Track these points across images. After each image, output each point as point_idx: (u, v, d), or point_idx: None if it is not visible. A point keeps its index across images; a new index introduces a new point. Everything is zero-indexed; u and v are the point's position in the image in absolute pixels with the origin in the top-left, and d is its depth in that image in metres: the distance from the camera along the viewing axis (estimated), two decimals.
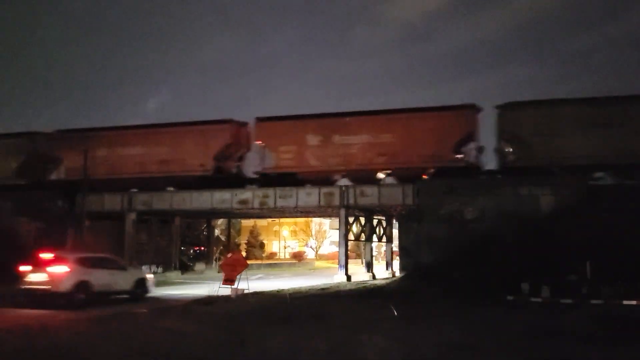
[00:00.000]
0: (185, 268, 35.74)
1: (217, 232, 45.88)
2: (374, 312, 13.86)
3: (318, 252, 67.17)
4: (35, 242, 27.81)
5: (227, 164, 28.38)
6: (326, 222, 64.92)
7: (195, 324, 11.60)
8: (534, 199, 22.01)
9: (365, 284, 24.20)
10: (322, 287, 22.31)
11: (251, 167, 28.58)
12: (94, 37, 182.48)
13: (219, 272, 27.38)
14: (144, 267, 27.78)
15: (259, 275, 32.48)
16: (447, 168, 24.39)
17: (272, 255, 65.42)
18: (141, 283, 17.74)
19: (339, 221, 27.60)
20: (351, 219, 29.26)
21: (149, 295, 17.96)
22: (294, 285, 22.96)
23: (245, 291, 17.10)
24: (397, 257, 31.12)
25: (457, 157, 24.70)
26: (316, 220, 62.61)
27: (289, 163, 26.79)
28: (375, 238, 32.33)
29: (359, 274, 29.74)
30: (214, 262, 38.55)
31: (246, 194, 28.03)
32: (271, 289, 20.64)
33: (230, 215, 37.57)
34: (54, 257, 15.58)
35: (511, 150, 23.90)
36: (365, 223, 30.99)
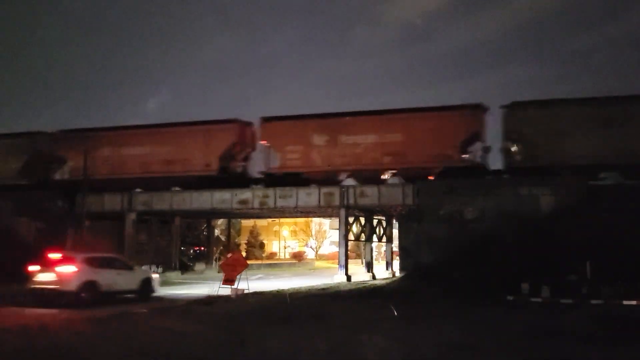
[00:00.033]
0: (185, 268, 35.75)
1: (217, 232, 45.88)
2: (374, 312, 13.85)
3: (318, 252, 67.14)
4: (35, 242, 27.88)
5: (232, 164, 28.32)
6: (326, 222, 64.88)
7: (195, 324, 11.60)
8: (534, 199, 21.99)
9: (365, 284, 24.20)
10: (322, 287, 22.30)
11: (256, 167, 28.62)
12: (94, 37, 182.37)
13: (219, 272, 27.38)
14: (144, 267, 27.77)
15: (259, 275, 32.47)
16: (453, 168, 24.30)
17: (272, 255, 65.39)
18: (147, 283, 17.90)
19: (339, 221, 27.59)
20: (351, 219, 29.25)
21: (155, 294, 18.15)
22: (294, 285, 22.95)
23: (245, 291, 17.11)
24: (397, 257, 31.10)
25: (464, 157, 24.65)
26: (316, 220, 62.56)
27: (295, 163, 26.73)
28: (375, 238, 32.33)
29: (359, 274, 29.74)
30: (214, 262, 38.55)
31: (246, 194, 28.02)
32: (271, 289, 20.63)
33: (230, 215, 37.55)
34: (62, 257, 15.84)
35: (517, 150, 23.80)
36: (365, 223, 30.99)
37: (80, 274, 15.42)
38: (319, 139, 26.49)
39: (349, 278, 26.29)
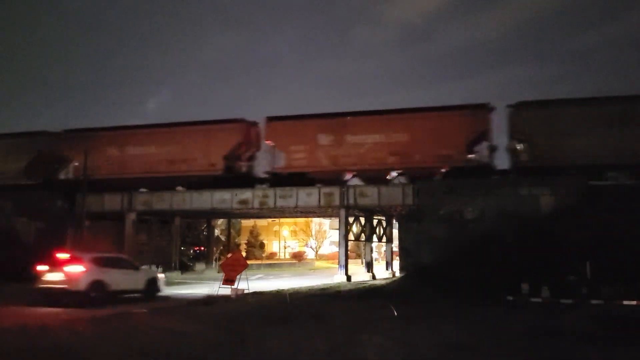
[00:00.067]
0: (185, 268, 35.76)
1: (217, 232, 45.88)
2: (373, 312, 13.86)
3: (318, 252, 67.13)
4: (35, 242, 27.89)
5: (237, 164, 28.29)
6: (326, 222, 64.88)
7: (195, 324, 11.60)
8: (534, 199, 21.98)
9: (365, 284, 24.20)
10: (322, 287, 22.30)
11: (260, 166, 28.60)
12: (94, 37, 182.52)
13: (218, 272, 27.38)
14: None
15: (259, 275, 32.50)
16: (459, 168, 24.28)
17: (272, 255, 65.37)
18: (153, 282, 18.14)
19: (339, 221, 27.59)
20: (351, 219, 29.26)
21: (160, 294, 18.39)
22: (294, 285, 22.96)
23: (245, 291, 17.11)
24: (397, 257, 31.12)
25: (470, 157, 24.60)
26: (316, 220, 62.56)
27: (301, 163, 26.71)
28: (375, 238, 32.33)
29: (359, 274, 29.75)
30: (214, 262, 38.56)
31: (246, 194, 28.02)
32: (271, 289, 20.63)
33: (230, 215, 37.55)
34: (70, 257, 16.01)
35: (523, 150, 23.74)
36: (365, 223, 31.00)
37: (88, 273, 15.64)
38: (324, 139, 26.45)
39: (349, 278, 26.29)
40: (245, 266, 17.45)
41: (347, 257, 27.31)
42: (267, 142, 27.64)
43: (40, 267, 15.95)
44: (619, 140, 22.06)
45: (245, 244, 59.48)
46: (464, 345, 9.46)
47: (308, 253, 65.86)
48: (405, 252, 25.37)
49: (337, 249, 32.12)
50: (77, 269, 15.57)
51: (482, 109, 24.53)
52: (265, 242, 64.70)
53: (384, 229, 33.38)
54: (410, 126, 25.43)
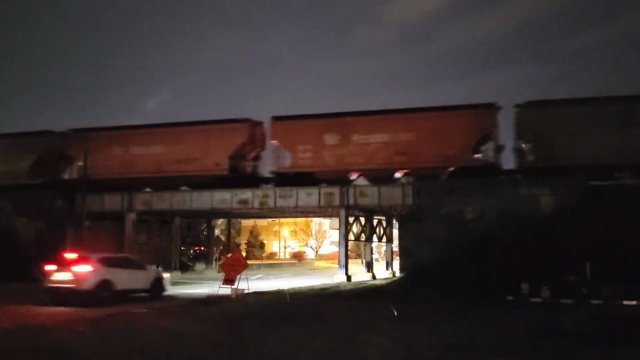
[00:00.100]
0: (185, 268, 35.75)
1: (217, 232, 45.89)
2: (374, 312, 13.87)
3: (318, 252, 67.14)
4: (35, 242, 27.89)
5: (242, 164, 28.23)
6: (326, 222, 64.89)
7: (195, 324, 11.61)
8: (534, 199, 21.96)
9: (365, 284, 24.21)
10: (322, 287, 22.31)
11: (266, 166, 28.52)
12: (94, 37, 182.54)
13: (218, 272, 27.38)
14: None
15: (259, 275, 32.50)
16: (465, 168, 24.19)
17: (272, 255, 65.38)
18: (159, 282, 18.34)
19: (339, 221, 27.59)
20: (351, 219, 29.26)
21: (165, 293, 18.57)
22: (294, 285, 22.96)
23: (245, 291, 17.11)
24: (397, 257, 31.13)
25: (476, 157, 24.53)
26: (316, 220, 62.57)
27: (307, 162, 26.63)
28: (375, 238, 32.33)
29: (359, 274, 29.75)
30: (214, 262, 38.56)
31: (246, 193, 28.01)
32: (271, 289, 20.64)
33: (230, 215, 37.55)
34: (78, 257, 16.23)
35: (530, 150, 23.63)
36: (365, 223, 31.00)
37: (95, 273, 15.84)
38: (330, 138, 26.37)
39: (349, 278, 26.30)
40: (245, 266, 17.44)
41: (347, 257, 27.31)
42: (272, 141, 27.53)
43: (48, 267, 16.22)
44: (628, 140, 21.90)
45: (245, 244, 59.49)
46: (463, 346, 9.47)
47: (308, 253, 65.87)
48: (405, 252, 25.37)
49: (337, 249, 32.12)
50: (84, 268, 15.80)
51: (489, 109, 24.36)
52: (265, 242, 64.71)
53: (384, 229, 33.38)
54: (417, 126, 25.33)
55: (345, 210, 26.86)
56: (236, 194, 28.08)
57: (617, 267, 18.31)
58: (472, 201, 22.71)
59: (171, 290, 20.86)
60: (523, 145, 23.85)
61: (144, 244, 32.19)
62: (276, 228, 69.12)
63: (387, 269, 34.07)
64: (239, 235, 57.25)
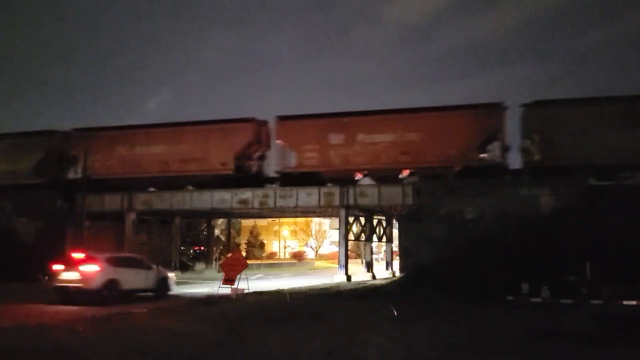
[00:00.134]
0: (185, 268, 35.74)
1: (217, 232, 45.89)
2: (373, 312, 13.86)
3: (318, 252, 67.16)
4: (35, 242, 27.88)
5: (248, 163, 28.19)
6: (326, 222, 64.91)
7: (195, 324, 11.61)
8: (534, 199, 21.96)
9: (365, 284, 24.19)
10: (322, 287, 22.30)
11: (270, 166, 28.46)
12: (94, 37, 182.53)
13: (218, 272, 27.36)
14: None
15: (259, 275, 32.50)
16: (472, 167, 24.15)
17: (272, 255, 65.40)
18: (164, 281, 18.59)
19: (339, 221, 27.59)
20: (351, 219, 29.26)
21: (170, 293, 18.79)
22: (294, 285, 22.96)
23: (245, 291, 17.11)
24: (397, 257, 31.13)
25: (482, 157, 24.46)
26: (316, 220, 62.59)
27: (312, 162, 26.58)
28: (375, 238, 32.33)
29: (359, 274, 29.75)
30: (214, 262, 38.55)
31: (246, 193, 28.01)
32: (271, 289, 20.63)
33: (230, 215, 37.55)
34: (86, 256, 16.48)
35: (537, 149, 23.52)
36: (365, 223, 31.00)
37: (102, 273, 16.12)
38: (336, 138, 26.32)
39: (349, 278, 26.30)
40: (245, 266, 17.44)
41: (347, 257, 27.31)
42: (278, 141, 27.47)
43: (56, 266, 16.52)
44: (635, 140, 21.82)
45: (245, 243, 59.50)
46: (463, 346, 9.46)
47: (308, 253, 65.90)
48: (405, 252, 25.38)
49: (337, 249, 32.11)
50: (92, 268, 16.06)
51: (495, 109, 24.28)
52: (265, 242, 64.72)
53: (384, 229, 33.39)
54: (422, 125, 25.26)
55: (345, 210, 26.86)
56: (236, 194, 28.08)
57: (617, 267, 18.32)
58: (472, 201, 22.71)
59: (182, 290, 21.07)
60: (529, 145, 23.73)
61: (144, 244, 32.18)
62: (276, 228, 69.13)
63: (387, 269, 34.07)
64: (239, 235, 57.25)
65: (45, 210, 28.82)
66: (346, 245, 27.62)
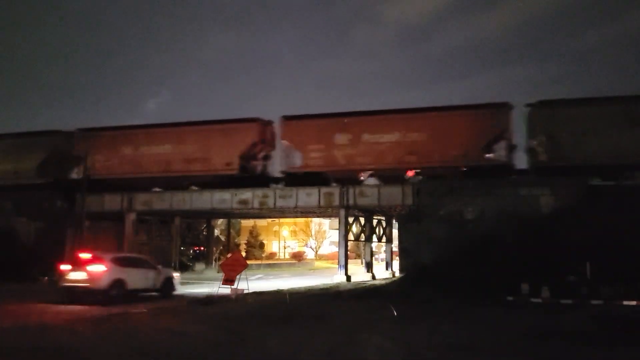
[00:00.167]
0: (185, 268, 35.71)
1: (216, 232, 45.88)
2: (373, 313, 13.86)
3: (318, 252, 67.16)
4: (35, 242, 27.88)
5: (252, 163, 28.04)
6: (326, 222, 64.91)
7: (195, 324, 11.61)
8: (534, 199, 21.94)
9: (365, 284, 24.18)
10: (322, 287, 22.29)
11: (275, 165, 28.36)
12: (94, 37, 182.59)
13: (218, 272, 27.36)
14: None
15: (259, 276, 32.50)
16: (478, 167, 24.06)
17: (271, 255, 65.40)
18: (169, 281, 18.84)
19: (339, 221, 27.57)
20: (351, 219, 29.24)
21: (175, 292, 18.99)
22: (294, 285, 22.96)
23: (245, 291, 17.12)
24: (397, 258, 31.12)
25: (488, 157, 24.32)
26: (316, 220, 62.58)
27: (318, 162, 26.47)
28: (375, 238, 32.32)
29: (359, 274, 29.73)
30: (214, 262, 38.54)
31: (246, 194, 27.99)
32: (271, 289, 20.63)
33: (230, 215, 37.53)
34: (92, 257, 16.75)
35: (543, 149, 23.37)
36: (365, 223, 30.99)
37: (109, 273, 16.37)
38: (341, 138, 26.19)
39: (348, 278, 26.28)
40: (245, 266, 17.46)
41: (346, 257, 27.28)
42: (283, 141, 27.36)
43: (63, 267, 16.86)
44: None
45: (245, 244, 59.50)
46: (463, 346, 9.46)
47: (308, 253, 65.90)
48: (405, 252, 25.35)
49: (336, 249, 32.10)
50: (99, 268, 16.31)
51: (502, 108, 24.16)
52: (265, 242, 64.73)
53: (384, 229, 33.37)
54: (428, 125, 25.14)
55: (345, 210, 26.84)
56: (236, 194, 28.06)
57: (617, 267, 18.30)
58: (472, 201, 22.70)
59: (186, 290, 21.13)
60: (535, 145, 23.61)
61: (144, 244, 32.15)
62: (276, 228, 69.13)
63: (387, 269, 34.06)
64: (238, 235, 57.24)
65: (45, 210, 28.80)
66: (346, 246, 27.61)
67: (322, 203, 26.87)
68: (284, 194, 27.30)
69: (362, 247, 34.64)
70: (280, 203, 27.51)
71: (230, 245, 43.62)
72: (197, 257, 40.21)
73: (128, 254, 19.89)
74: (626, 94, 23.32)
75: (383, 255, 43.67)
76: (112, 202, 29.52)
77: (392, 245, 34.86)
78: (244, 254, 43.93)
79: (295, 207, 27.69)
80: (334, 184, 26.87)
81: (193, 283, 26.96)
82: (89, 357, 8.57)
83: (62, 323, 11.53)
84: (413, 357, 8.71)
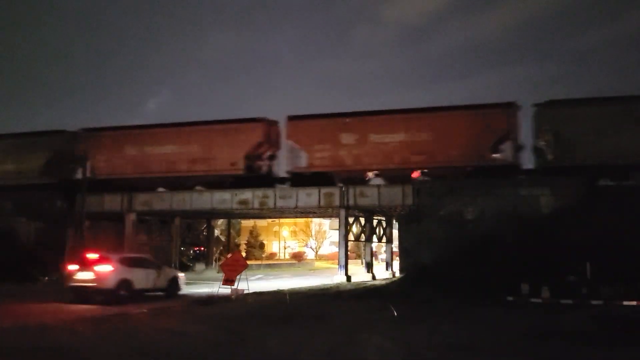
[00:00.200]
0: (185, 268, 35.68)
1: (217, 232, 45.84)
2: (373, 313, 13.86)
3: (318, 253, 67.11)
4: (34, 242, 27.86)
5: (257, 163, 28.03)
6: (326, 222, 64.85)
7: (195, 324, 11.61)
8: (534, 199, 21.94)
9: (365, 285, 24.18)
10: (322, 287, 22.29)
11: (280, 165, 28.34)
12: (94, 37, 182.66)
13: (218, 273, 27.36)
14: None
15: (259, 276, 32.48)
16: (484, 167, 23.99)
17: (271, 255, 65.36)
18: (174, 281, 19.06)
19: (339, 222, 27.54)
20: (351, 220, 29.22)
21: (180, 292, 19.14)
22: (294, 286, 22.95)
23: (245, 291, 17.12)
24: (397, 258, 31.11)
25: (495, 156, 24.28)
26: (316, 220, 62.53)
27: (324, 162, 26.40)
28: (375, 238, 32.31)
29: (359, 274, 29.70)
30: (214, 262, 38.53)
31: (246, 194, 27.98)
32: (271, 289, 20.63)
33: (230, 215, 37.51)
34: (100, 257, 16.99)
35: (550, 149, 23.34)
36: (365, 223, 30.97)
37: (116, 273, 16.60)
38: (347, 138, 26.09)
39: (348, 278, 26.26)
40: (245, 266, 17.47)
41: (347, 258, 27.26)
42: (288, 141, 27.26)
43: (71, 267, 17.17)
44: None
45: (245, 244, 59.46)
46: (464, 346, 9.46)
47: (308, 253, 65.84)
48: (405, 253, 25.34)
49: (337, 249, 32.08)
50: (106, 268, 16.54)
51: (509, 108, 24.08)
52: (265, 242, 64.68)
53: (384, 229, 33.35)
54: (434, 125, 25.05)
55: (345, 210, 26.81)
56: (236, 195, 28.06)
57: (617, 267, 18.29)
58: (472, 201, 22.68)
59: (190, 289, 21.18)
60: (542, 145, 23.58)
61: (144, 244, 32.12)
62: (276, 228, 69.07)
63: (387, 269, 34.04)
64: (238, 235, 57.20)
65: (45, 210, 28.79)
66: (346, 246, 27.59)
67: (322, 203, 26.85)
68: (284, 194, 27.29)
69: (362, 248, 34.63)
70: (280, 203, 27.50)
71: (230, 246, 43.59)
72: (197, 258, 40.20)
73: (135, 255, 20.14)
74: (627, 94, 23.31)
75: (383, 256, 43.70)
76: (112, 202, 29.50)
77: (392, 246, 34.84)
78: (244, 254, 43.88)
79: (296, 207, 27.68)
80: (341, 184, 26.77)
81: (193, 283, 26.96)
82: (89, 357, 8.58)
83: (62, 323, 11.52)
84: (413, 357, 8.71)
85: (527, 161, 24.33)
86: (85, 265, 16.67)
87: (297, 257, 60.85)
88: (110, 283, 16.29)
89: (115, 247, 28.51)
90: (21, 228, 28.53)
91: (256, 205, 27.90)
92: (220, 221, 44.93)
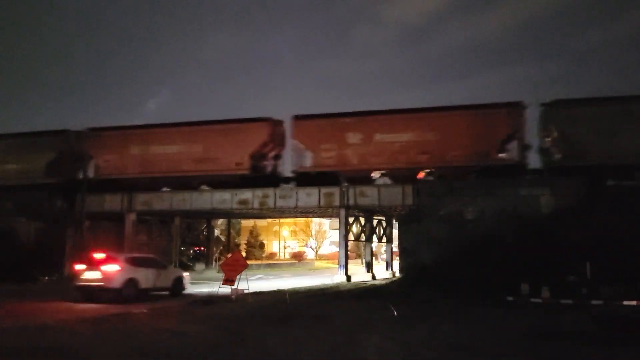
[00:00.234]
0: (185, 268, 35.69)
1: (217, 232, 45.86)
2: (373, 313, 13.86)
3: (318, 252, 67.12)
4: (34, 242, 27.86)
5: (262, 163, 27.98)
6: (326, 222, 64.86)
7: (195, 324, 11.60)
8: (534, 199, 21.93)
9: (365, 284, 24.19)
10: (322, 287, 22.30)
11: (285, 165, 28.30)
12: (94, 37, 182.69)
13: (218, 272, 27.35)
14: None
15: (259, 276, 32.49)
16: (490, 167, 23.95)
17: (271, 255, 65.37)
18: (179, 281, 19.25)
19: (339, 221, 27.55)
20: (351, 219, 29.22)
21: (185, 291, 19.34)
22: (294, 285, 22.95)
23: (245, 291, 17.11)
24: (397, 258, 31.12)
25: (501, 156, 24.24)
26: (316, 220, 62.53)
27: (330, 162, 26.36)
28: (375, 238, 32.31)
29: (359, 274, 29.72)
30: (214, 262, 38.54)
31: (246, 194, 27.98)
32: (271, 289, 20.63)
33: (230, 215, 37.53)
34: (106, 257, 17.23)
35: (557, 149, 23.28)
36: (365, 223, 30.98)
37: (122, 272, 16.81)
38: (353, 138, 26.05)
39: (348, 278, 26.27)
40: (245, 266, 17.46)
41: (347, 257, 27.27)
42: (293, 140, 27.21)
43: (78, 266, 17.46)
44: None
45: (245, 244, 59.48)
46: (463, 346, 9.46)
47: (308, 253, 65.85)
48: (405, 252, 25.33)
49: (337, 249, 32.09)
50: (112, 268, 16.75)
51: (515, 107, 24.04)
52: (265, 242, 64.70)
53: (384, 229, 33.35)
54: (441, 125, 24.99)
55: (345, 210, 26.82)
56: (236, 194, 28.06)
57: (617, 267, 18.29)
58: (472, 201, 22.67)
59: (194, 289, 21.23)
60: (549, 145, 23.51)
61: (144, 244, 32.13)
62: (276, 228, 69.09)
63: (387, 269, 34.05)
64: (238, 235, 57.21)
65: (45, 210, 28.77)
66: (346, 246, 27.60)
67: (322, 203, 26.85)
68: (284, 194, 27.29)
69: (362, 247, 34.63)
70: (280, 203, 27.50)
71: (230, 246, 43.60)
72: (197, 257, 40.21)
73: (141, 255, 20.41)
74: (627, 94, 23.26)
75: (384, 255, 43.70)
76: (112, 202, 29.50)
77: (392, 245, 34.84)
78: (244, 254, 43.85)
79: (296, 207, 27.68)
80: (346, 184, 26.74)
81: (193, 283, 26.96)
82: (89, 357, 8.57)
83: (62, 323, 11.52)
84: (413, 357, 8.71)
85: (534, 161, 24.32)
86: (93, 264, 16.87)
87: (297, 257, 60.85)
88: (117, 282, 16.49)
89: (115, 247, 28.52)
90: (21, 228, 28.51)
91: (256, 205, 27.91)
92: (220, 221, 44.95)
